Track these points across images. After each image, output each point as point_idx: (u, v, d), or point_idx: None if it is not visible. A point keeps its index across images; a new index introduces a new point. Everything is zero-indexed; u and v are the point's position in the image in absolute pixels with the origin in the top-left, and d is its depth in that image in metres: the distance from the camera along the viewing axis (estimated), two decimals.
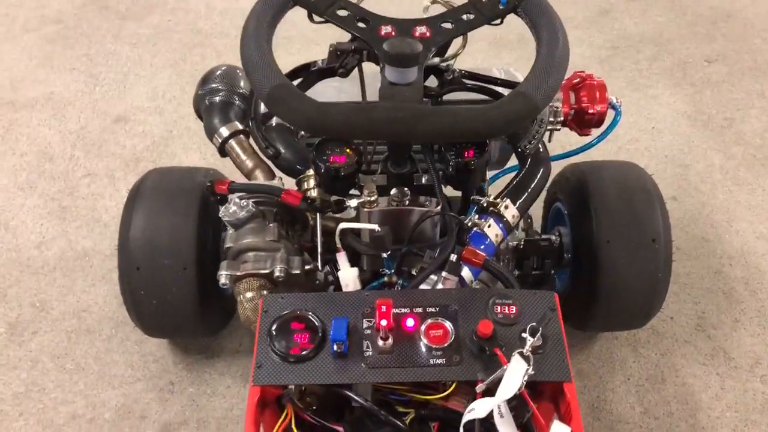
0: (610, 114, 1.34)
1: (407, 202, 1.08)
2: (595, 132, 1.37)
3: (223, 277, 1.11)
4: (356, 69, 1.06)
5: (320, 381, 0.89)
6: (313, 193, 1.11)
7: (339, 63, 1.02)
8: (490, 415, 0.83)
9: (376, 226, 1.02)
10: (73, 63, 2.20)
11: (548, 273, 1.38)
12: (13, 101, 2.07)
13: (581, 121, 1.34)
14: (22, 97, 2.09)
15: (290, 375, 0.89)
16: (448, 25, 1.02)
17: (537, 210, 1.55)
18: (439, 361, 0.89)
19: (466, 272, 1.07)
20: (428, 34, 1.00)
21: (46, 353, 1.51)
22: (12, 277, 1.64)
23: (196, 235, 1.26)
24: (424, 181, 1.13)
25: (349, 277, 1.07)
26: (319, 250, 1.14)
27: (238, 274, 1.10)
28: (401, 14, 1.09)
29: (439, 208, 1.10)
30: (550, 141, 1.36)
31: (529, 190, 1.18)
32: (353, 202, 1.06)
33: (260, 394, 0.89)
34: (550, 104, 1.29)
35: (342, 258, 1.08)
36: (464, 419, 0.83)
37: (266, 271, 1.10)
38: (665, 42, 2.26)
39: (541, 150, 1.23)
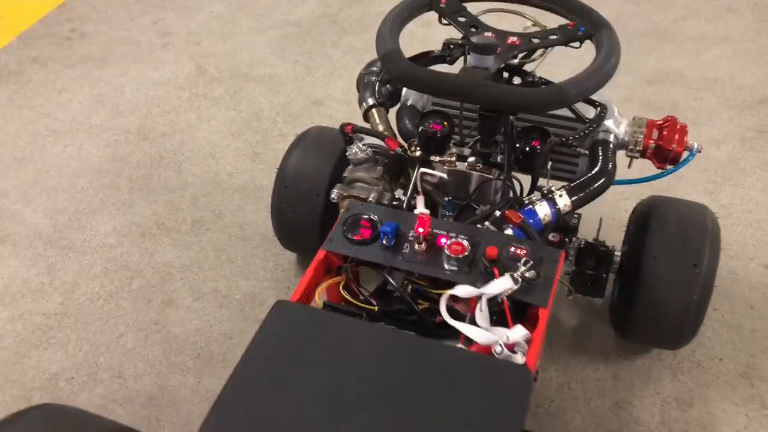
0: None
1: (477, 168, 1.41)
2: None
3: (334, 194, 1.50)
4: (461, 59, 1.41)
5: (368, 258, 1.24)
6: (412, 149, 1.48)
7: (448, 53, 1.39)
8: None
9: (444, 175, 1.36)
10: (297, 56, 2.79)
11: (600, 275, 1.61)
12: (246, 74, 2.69)
13: (660, 156, 1.57)
14: (254, 72, 2.70)
15: (349, 250, 1.25)
16: (536, 40, 1.35)
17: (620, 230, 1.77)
18: (453, 267, 1.20)
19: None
20: (517, 42, 1.34)
21: (211, 245, 2.01)
22: (205, 191, 2.18)
23: (330, 172, 1.68)
24: (499, 159, 1.45)
25: (421, 212, 1.41)
26: (408, 193, 1.49)
27: (345, 194, 1.49)
28: (509, 28, 1.43)
29: (501, 180, 1.41)
30: (629, 166, 1.62)
31: (586, 191, 1.44)
32: (436, 158, 1.41)
33: (324, 255, 1.26)
34: (633, 134, 1.54)
35: (420, 200, 1.42)
36: (447, 294, 1.13)
37: (364, 197, 1.47)
38: None
39: (610, 166, 1.49)
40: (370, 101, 1.68)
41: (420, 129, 1.45)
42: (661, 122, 1.56)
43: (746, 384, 1.65)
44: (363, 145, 1.53)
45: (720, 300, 1.82)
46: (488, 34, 1.35)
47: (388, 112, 1.70)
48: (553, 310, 1.82)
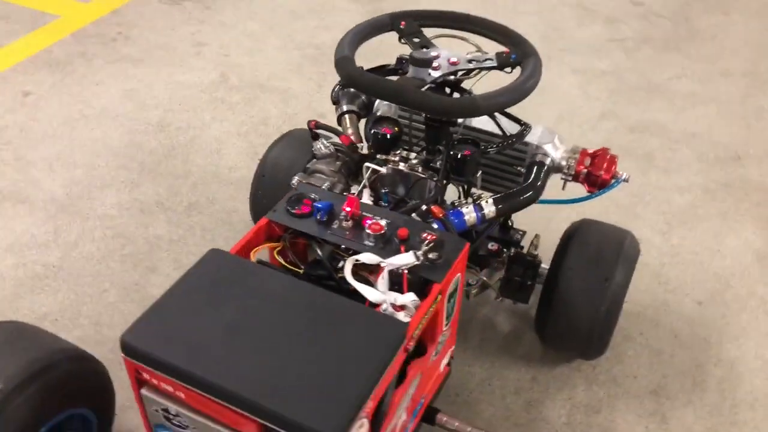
0: None
1: (416, 169, 1.61)
2: None
3: (295, 180, 1.71)
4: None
5: (302, 229, 1.44)
6: (363, 150, 1.69)
7: (400, 66, 1.62)
8: None
9: (383, 169, 1.57)
10: (312, 75, 3.05)
11: (525, 282, 1.78)
12: (263, 85, 2.96)
13: (589, 180, 1.75)
14: (270, 84, 2.97)
15: (288, 220, 1.46)
16: (474, 62, 1.56)
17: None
18: (371, 243, 1.39)
19: None
20: (458, 62, 1.55)
21: (199, 226, 2.25)
22: (205, 180, 2.43)
23: (304, 165, 1.90)
24: (438, 164, 1.65)
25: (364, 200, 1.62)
26: (360, 186, 1.70)
27: (303, 181, 1.70)
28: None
29: (433, 181, 1.60)
30: (563, 188, 1.79)
31: (512, 201, 1.63)
32: (382, 157, 1.62)
33: (266, 223, 1.47)
34: (567, 159, 1.73)
35: (366, 192, 1.63)
36: (352, 258, 1.32)
37: (318, 185, 1.68)
38: None
39: (539, 184, 1.68)
40: (345, 108, 1.91)
41: (372, 131, 1.66)
42: (593, 151, 1.74)
43: (653, 400, 1.78)
44: (327, 142, 1.75)
45: (648, 326, 1.96)
46: (434, 53, 1.57)
47: (359, 119, 1.92)
48: (490, 316, 1.99)
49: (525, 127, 1.63)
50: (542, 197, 1.74)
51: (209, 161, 2.53)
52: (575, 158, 1.73)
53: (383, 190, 1.61)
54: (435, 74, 1.53)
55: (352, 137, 1.82)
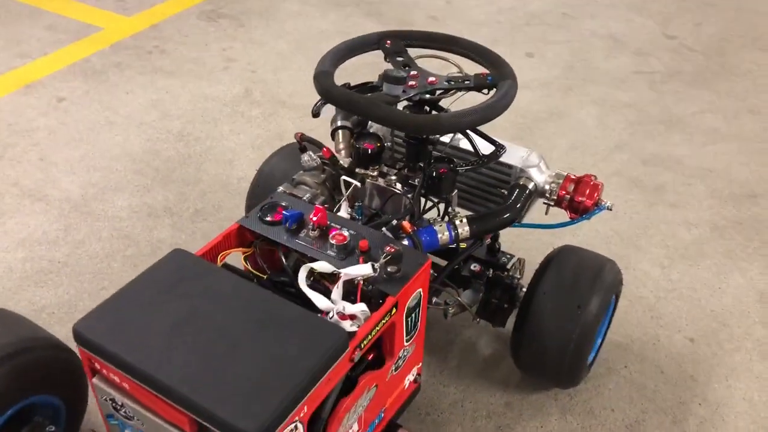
0: None
1: (393, 185, 1.63)
2: None
3: (279, 190, 1.76)
4: None
5: (270, 236, 1.48)
6: (344, 163, 1.72)
7: (381, 84, 1.65)
8: None
9: (358, 183, 1.60)
10: None
11: (502, 305, 1.77)
12: (284, 102, 3.04)
13: (571, 206, 1.74)
14: (290, 101, 3.04)
15: (258, 227, 1.50)
16: (452, 82, 1.58)
17: None
18: (332, 253, 1.42)
19: None
20: (435, 81, 1.57)
21: (201, 232, 2.31)
22: (214, 189, 2.51)
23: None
24: (416, 182, 1.66)
25: (342, 212, 1.65)
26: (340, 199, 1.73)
27: (287, 191, 1.75)
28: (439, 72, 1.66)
29: (407, 198, 1.62)
30: (546, 213, 1.79)
31: (487, 222, 1.64)
32: (361, 171, 1.65)
33: (237, 228, 1.51)
34: (550, 184, 1.72)
35: (344, 204, 1.66)
36: (307, 266, 1.35)
37: (300, 195, 1.72)
38: None
39: (518, 206, 1.68)
40: (339, 123, 1.95)
41: (355, 146, 1.69)
42: (577, 177, 1.73)
43: None
44: (315, 155, 1.79)
45: (634, 359, 1.92)
46: (414, 72, 1.60)
47: (352, 135, 1.96)
48: (473, 339, 1.98)
49: (498, 148, 1.64)
50: (527, 221, 1.75)
51: (221, 171, 2.61)
52: (558, 183, 1.73)
53: (356, 204, 1.64)
54: (411, 92, 1.56)
55: (343, 152, 1.86)
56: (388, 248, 1.42)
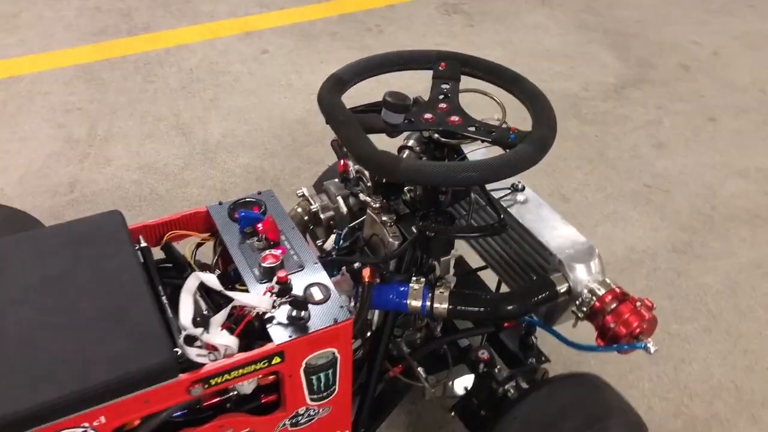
0: None
1: (388, 224, 1.39)
2: None
3: (300, 191, 1.62)
4: None
5: (220, 231, 1.35)
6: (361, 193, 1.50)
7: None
8: None
9: (345, 210, 1.40)
10: None
11: (479, 412, 1.43)
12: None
13: (602, 328, 1.32)
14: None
15: (218, 217, 1.38)
16: (473, 128, 1.27)
17: None
18: (257, 272, 1.26)
19: None
20: (458, 122, 1.28)
21: None
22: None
23: None
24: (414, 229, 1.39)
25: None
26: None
27: (306, 194, 1.60)
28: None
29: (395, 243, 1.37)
30: (574, 326, 1.39)
31: (473, 309, 1.32)
32: (361, 196, 1.44)
33: (205, 212, 1.41)
34: (589, 291, 1.33)
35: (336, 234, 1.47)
36: (196, 274, 1.20)
37: (314, 207, 1.56)
38: None
39: (529, 303, 1.33)
40: (404, 141, 1.74)
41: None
42: (623, 294, 1.31)
43: None
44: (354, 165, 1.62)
45: None
46: (444, 105, 1.33)
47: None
48: None
49: (498, 222, 1.29)
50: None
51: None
52: (599, 294, 1.32)
53: (335, 230, 1.44)
54: (421, 125, 1.30)
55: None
56: (315, 294, 1.22)
